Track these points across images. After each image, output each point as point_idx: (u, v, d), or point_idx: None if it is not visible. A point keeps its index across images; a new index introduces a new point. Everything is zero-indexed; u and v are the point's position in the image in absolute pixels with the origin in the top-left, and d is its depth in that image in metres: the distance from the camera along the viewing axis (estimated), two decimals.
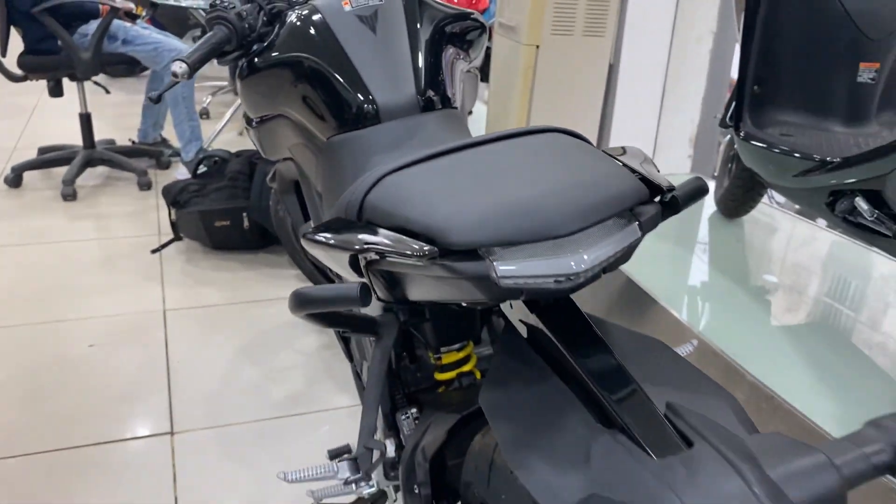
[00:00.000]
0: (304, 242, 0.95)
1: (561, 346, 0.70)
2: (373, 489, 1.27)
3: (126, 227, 3.08)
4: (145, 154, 3.72)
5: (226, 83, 5.19)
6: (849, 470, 0.54)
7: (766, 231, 2.38)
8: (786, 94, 1.82)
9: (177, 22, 5.10)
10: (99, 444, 1.84)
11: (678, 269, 2.07)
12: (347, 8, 1.31)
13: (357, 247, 0.80)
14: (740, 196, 2.25)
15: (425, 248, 0.69)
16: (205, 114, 4.65)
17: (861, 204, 1.43)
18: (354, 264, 0.89)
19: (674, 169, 3.14)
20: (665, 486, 0.53)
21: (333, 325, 1.06)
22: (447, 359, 1.27)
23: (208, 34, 1.34)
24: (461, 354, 1.28)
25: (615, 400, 0.64)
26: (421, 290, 0.81)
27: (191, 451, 1.84)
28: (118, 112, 4.81)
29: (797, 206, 2.57)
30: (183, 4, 4.01)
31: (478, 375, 1.28)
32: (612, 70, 2.93)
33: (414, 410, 1.26)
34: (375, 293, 0.88)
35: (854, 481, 0.54)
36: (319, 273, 2.38)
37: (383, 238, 0.76)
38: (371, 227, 0.81)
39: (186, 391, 2.06)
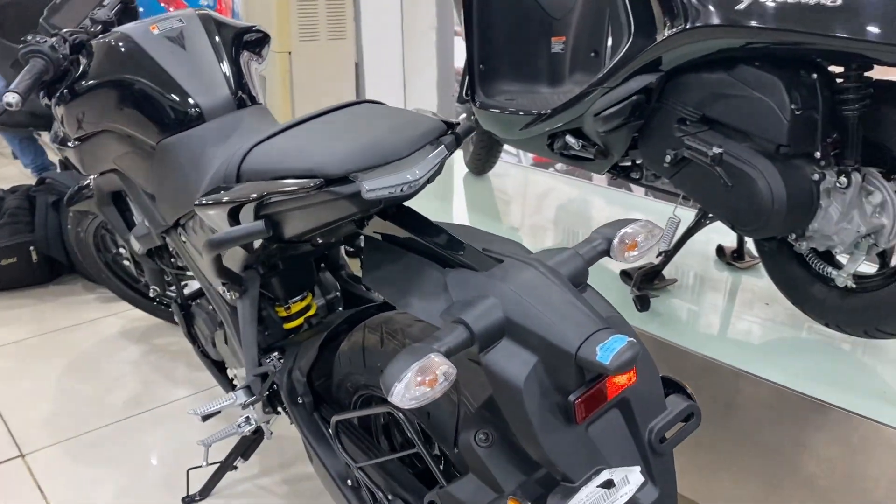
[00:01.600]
0: (198, 208, 1.21)
1: (410, 232, 1.06)
2: (252, 426, 1.56)
3: None
4: None
5: None
6: (587, 255, 0.96)
7: (505, 181, 2.93)
8: (503, 68, 2.32)
9: None
10: None
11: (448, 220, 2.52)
12: (156, 32, 1.55)
13: (255, 195, 1.09)
14: (483, 155, 2.77)
15: (314, 181, 1.01)
16: None
17: (570, 139, 1.95)
18: (234, 215, 1.17)
19: None
20: (493, 280, 0.91)
21: (225, 277, 1.33)
22: (295, 308, 1.57)
23: (28, 66, 1.50)
24: (305, 303, 1.59)
25: (450, 252, 1.01)
26: (303, 221, 1.12)
27: (48, 466, 1.93)
28: None
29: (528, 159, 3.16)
30: None
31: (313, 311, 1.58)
32: (359, 69, 3.33)
33: (276, 353, 1.54)
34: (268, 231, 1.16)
35: (590, 261, 0.96)
36: (127, 287, 2.51)
37: (276, 184, 1.07)
38: (258, 182, 1.11)
39: (21, 418, 2.12)
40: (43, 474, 1.91)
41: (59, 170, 3.52)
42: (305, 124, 1.19)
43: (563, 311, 0.86)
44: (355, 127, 1.12)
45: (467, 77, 2.36)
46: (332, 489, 1.37)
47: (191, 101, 1.51)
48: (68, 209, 2.32)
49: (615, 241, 0.96)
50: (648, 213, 2.52)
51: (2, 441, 2.02)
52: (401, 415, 1.12)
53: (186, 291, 1.90)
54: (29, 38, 1.54)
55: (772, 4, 1.38)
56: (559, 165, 4.16)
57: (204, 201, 1.19)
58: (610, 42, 2.00)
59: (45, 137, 3.78)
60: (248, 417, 1.58)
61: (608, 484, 0.85)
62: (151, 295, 2.36)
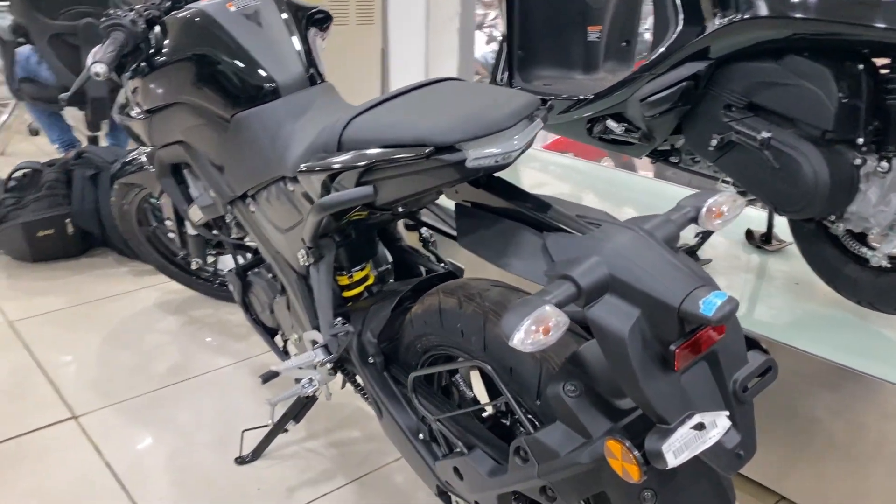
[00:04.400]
0: (301, 175, 1.29)
1: (504, 199, 1.14)
2: (315, 387, 1.64)
3: None
4: None
5: None
6: (678, 220, 1.05)
7: (535, 167, 3.01)
8: (541, 55, 2.41)
9: None
10: (6, 441, 1.94)
11: None
12: (232, 9, 1.61)
13: (365, 162, 1.17)
14: None
15: (426, 149, 1.09)
16: None
17: (612, 124, 2.04)
18: (331, 182, 1.25)
19: None
20: (595, 241, 1.00)
21: (312, 241, 1.42)
22: (357, 276, 1.65)
23: (110, 38, 1.57)
24: (364, 272, 1.67)
25: (547, 217, 1.09)
26: (404, 186, 1.20)
27: (102, 427, 2.01)
28: None
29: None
30: None
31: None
32: (384, 54, 3.39)
33: (340, 319, 1.61)
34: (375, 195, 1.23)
35: (681, 226, 1.05)
36: (169, 262, 2.58)
37: (387, 152, 1.15)
38: (367, 150, 1.18)
39: (70, 382, 2.19)
40: (98, 434, 1.98)
41: (85, 145, 3.57)
42: (400, 98, 1.27)
43: (663, 270, 0.94)
44: (454, 100, 1.20)
45: (502, 62, 2.44)
46: (401, 443, 1.45)
47: (267, 76, 1.58)
48: (113, 182, 2.38)
49: (703, 210, 1.04)
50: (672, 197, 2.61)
51: (55, 403, 2.09)
52: (488, 367, 1.20)
53: (240, 261, 1.97)
54: (110, 11, 1.60)
55: None
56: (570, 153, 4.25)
57: (306, 168, 1.27)
58: (646, 30, 2.08)
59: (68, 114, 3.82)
60: (311, 378, 1.67)
61: (700, 426, 0.94)
62: (193, 267, 2.43)
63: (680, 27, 1.75)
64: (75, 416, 2.05)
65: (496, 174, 1.20)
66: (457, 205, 1.24)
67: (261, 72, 1.58)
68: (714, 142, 1.72)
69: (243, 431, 1.91)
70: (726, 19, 1.62)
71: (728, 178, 1.85)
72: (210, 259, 2.33)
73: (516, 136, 1.12)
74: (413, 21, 3.44)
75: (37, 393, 2.13)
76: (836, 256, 1.73)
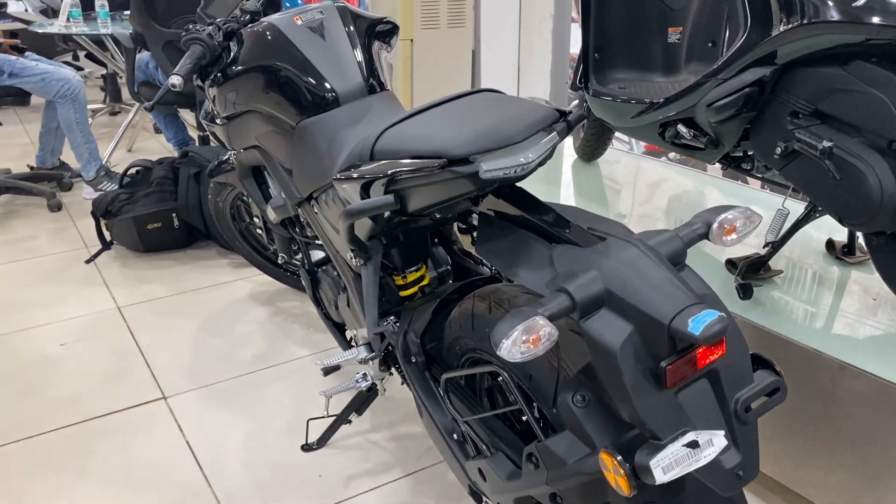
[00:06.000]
0: (336, 182, 1.37)
1: (520, 210, 1.17)
2: (368, 382, 1.71)
3: (51, 246, 3.28)
4: (46, 178, 3.87)
5: (103, 106, 5.32)
6: (686, 237, 1.04)
7: (615, 168, 2.97)
8: (618, 57, 2.38)
9: (43, 45, 5.16)
10: (102, 417, 2.14)
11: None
12: (299, 22, 1.71)
13: (390, 171, 1.23)
14: (594, 142, 2.83)
15: (438, 161, 1.14)
16: None
17: (682, 129, 2.00)
18: (366, 190, 1.32)
19: None
20: (595, 255, 1.01)
21: (354, 244, 1.49)
22: (410, 277, 1.72)
23: (189, 52, 1.70)
24: (419, 273, 1.73)
25: (556, 229, 1.11)
26: (426, 196, 1.25)
27: (187, 408, 2.18)
28: (9, 142, 4.86)
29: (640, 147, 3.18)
30: (53, 31, 4.16)
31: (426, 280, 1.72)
32: (475, 56, 3.44)
33: (392, 318, 1.68)
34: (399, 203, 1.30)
35: (688, 243, 1.04)
36: (257, 254, 2.74)
37: (405, 163, 1.20)
38: (390, 160, 1.25)
39: (164, 365, 2.38)
40: (182, 415, 2.15)
41: (197, 144, 3.84)
42: (430, 111, 1.32)
43: (659, 286, 0.95)
44: (475, 114, 1.24)
45: (581, 65, 2.43)
46: (438, 441, 1.50)
47: (328, 86, 1.67)
48: (209, 180, 2.56)
49: (714, 225, 1.03)
50: (759, 204, 2.51)
51: (148, 386, 2.28)
52: (505, 374, 1.23)
53: (313, 259, 2.08)
54: (190, 26, 1.74)
55: (891, 1, 1.40)
56: (672, 155, 4.15)
57: (342, 176, 1.35)
58: (727, 33, 2.03)
59: (184, 114, 4.11)
60: (364, 374, 1.75)
61: (693, 444, 0.93)
62: (279, 262, 2.57)
63: (747, 30, 1.69)
64: (165, 396, 2.23)
65: (518, 184, 1.23)
66: (480, 213, 1.28)
67: (322, 81, 1.67)
68: (779, 149, 1.66)
69: (308, 420, 2.02)
70: (793, 23, 1.56)
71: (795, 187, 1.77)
72: (296, 253, 2.47)
73: (530, 148, 1.15)
74: (505, 23, 3.47)
75: (134, 374, 2.34)
76: None
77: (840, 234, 2.10)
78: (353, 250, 1.55)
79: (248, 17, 1.87)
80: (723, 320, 0.89)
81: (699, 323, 0.89)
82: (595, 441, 1.04)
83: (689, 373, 0.94)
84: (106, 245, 3.12)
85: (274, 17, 1.75)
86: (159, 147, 4.75)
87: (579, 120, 1.27)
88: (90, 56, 5.58)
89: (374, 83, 1.72)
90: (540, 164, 1.18)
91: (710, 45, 2.46)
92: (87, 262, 3.08)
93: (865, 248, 2.06)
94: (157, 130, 4.91)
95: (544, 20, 3.60)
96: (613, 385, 0.95)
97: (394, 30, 1.87)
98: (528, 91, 3.63)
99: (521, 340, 0.92)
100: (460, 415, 1.40)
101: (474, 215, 1.71)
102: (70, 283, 2.93)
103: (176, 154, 3.91)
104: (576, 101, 2.64)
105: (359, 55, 1.73)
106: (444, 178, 1.18)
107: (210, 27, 1.78)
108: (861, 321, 1.75)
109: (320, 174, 1.65)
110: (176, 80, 1.63)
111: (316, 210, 1.78)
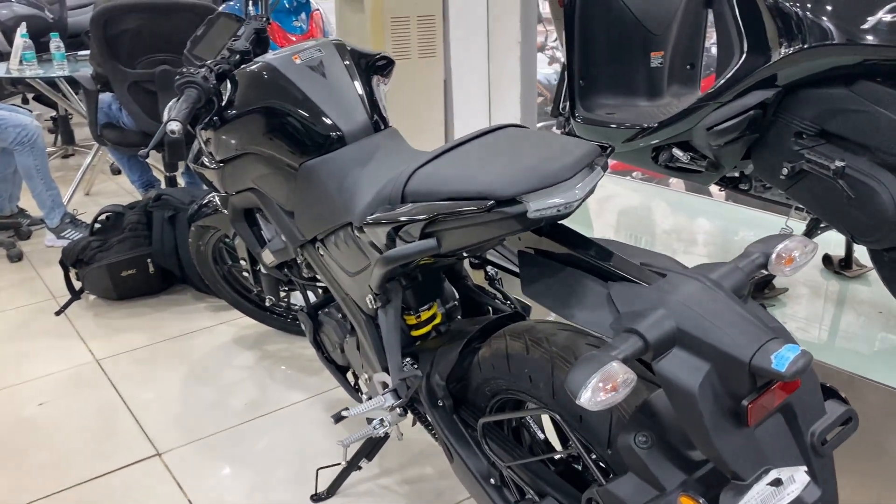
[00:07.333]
0: (367, 227, 1.32)
1: (567, 247, 1.14)
2: (387, 428, 1.66)
3: (16, 298, 3.12)
4: (3, 227, 3.70)
5: (55, 149, 5.15)
6: (746, 268, 1.03)
7: (600, 192, 2.99)
8: (603, 83, 2.40)
9: None
10: (95, 479, 2.02)
11: None
12: (298, 61, 1.67)
13: (428, 215, 1.19)
14: None
15: (487, 203, 1.10)
16: None
17: (677, 152, 2.01)
18: (396, 231, 1.28)
19: None
20: (660, 292, 0.99)
21: (378, 288, 1.44)
22: (424, 316, 1.67)
23: (184, 96, 1.64)
24: (432, 311, 1.69)
25: (611, 266, 1.09)
26: (466, 237, 1.21)
27: (184, 464, 2.08)
28: None
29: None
30: (4, 76, 4.02)
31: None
32: (447, 85, 3.43)
33: (408, 359, 1.63)
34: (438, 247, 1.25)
35: (750, 274, 1.03)
36: (243, 298, 2.66)
37: (449, 205, 1.16)
38: (430, 203, 1.20)
39: (153, 419, 2.27)
40: (180, 472, 2.05)
41: (163, 185, 3.72)
42: (461, 148, 1.29)
43: (732, 322, 0.93)
44: (511, 151, 1.21)
45: (564, 92, 2.44)
46: (473, 487, 1.46)
47: (332, 125, 1.63)
48: (190, 224, 2.47)
49: (773, 256, 1.02)
50: (758, 224, 2.55)
51: (139, 440, 2.18)
52: (557, 416, 1.20)
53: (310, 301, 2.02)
54: (184, 69, 1.68)
55: (891, 22, 1.43)
56: (635, 173, 4.20)
57: (372, 220, 1.30)
58: (719, 57, 2.06)
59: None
60: (382, 419, 1.69)
61: (777, 482, 0.91)
62: (267, 304, 2.50)
63: (744, 55, 1.72)
64: (159, 453, 2.13)
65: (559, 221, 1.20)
66: (520, 252, 1.25)
67: (326, 121, 1.63)
68: (785, 170, 1.67)
69: (318, 469, 1.95)
70: (794, 47, 1.59)
71: (801, 206, 1.80)
72: (282, 295, 2.39)
73: (577, 185, 1.13)
74: (474, 50, 3.47)
75: (123, 430, 2.22)
76: None
77: (835, 248, 2.14)
78: (376, 294, 1.50)
79: (237, 57, 1.82)
80: (805, 355, 0.88)
81: (783, 359, 0.87)
82: (662, 483, 1.01)
83: (769, 409, 0.92)
84: (76, 295, 2.99)
85: (270, 57, 1.70)
86: (118, 189, 4.61)
87: (612, 153, 1.26)
88: (38, 98, 5.41)
89: (377, 120, 1.69)
90: (582, 201, 1.16)
91: (688, 67, 2.50)
92: (57, 313, 2.95)
93: (861, 262, 2.10)
94: (115, 172, 4.77)
95: (511, 47, 3.62)
96: (693, 425, 0.93)
97: (389, 64, 1.84)
98: (500, 119, 3.63)
99: (601, 388, 0.89)
100: (501, 459, 1.36)
101: (488, 249, 1.68)
102: (41, 337, 2.80)
103: (139, 196, 3.80)
104: (554, 129, 2.65)
105: (361, 93, 1.69)
106: (489, 220, 1.14)
107: (203, 69, 1.72)
108: (870, 334, 1.77)
109: (329, 216, 1.60)
110: (175, 126, 1.56)
111: (322, 252, 1.72)
